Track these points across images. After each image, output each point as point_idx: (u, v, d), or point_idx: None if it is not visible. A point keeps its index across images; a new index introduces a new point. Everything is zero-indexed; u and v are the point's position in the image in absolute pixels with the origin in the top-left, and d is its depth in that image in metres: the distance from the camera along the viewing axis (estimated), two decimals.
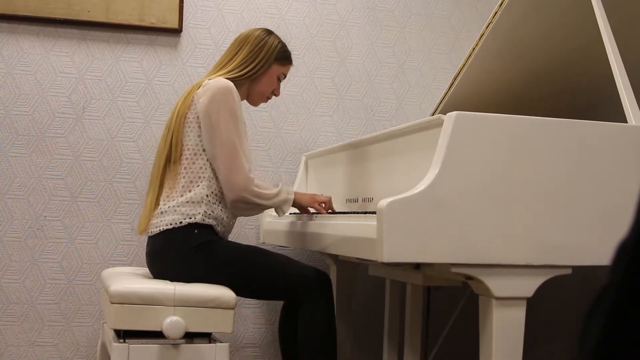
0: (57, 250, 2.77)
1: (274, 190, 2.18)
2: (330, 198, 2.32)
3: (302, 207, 2.31)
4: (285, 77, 2.39)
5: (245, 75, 2.27)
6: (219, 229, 2.17)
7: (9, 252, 2.73)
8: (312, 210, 2.32)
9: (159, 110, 2.86)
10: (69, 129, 2.79)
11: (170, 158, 2.18)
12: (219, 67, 2.30)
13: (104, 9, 2.80)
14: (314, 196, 2.31)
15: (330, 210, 2.31)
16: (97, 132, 2.82)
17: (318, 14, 3.06)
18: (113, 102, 2.84)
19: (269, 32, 2.33)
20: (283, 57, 2.33)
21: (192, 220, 2.11)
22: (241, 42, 2.31)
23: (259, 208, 2.20)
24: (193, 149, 2.15)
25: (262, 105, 2.93)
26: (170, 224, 2.12)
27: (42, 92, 2.78)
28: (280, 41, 2.33)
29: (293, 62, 2.41)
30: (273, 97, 2.41)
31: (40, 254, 2.76)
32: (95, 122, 2.82)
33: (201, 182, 2.14)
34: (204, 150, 2.15)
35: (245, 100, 2.38)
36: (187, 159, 2.15)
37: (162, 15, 2.85)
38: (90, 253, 2.80)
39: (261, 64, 2.29)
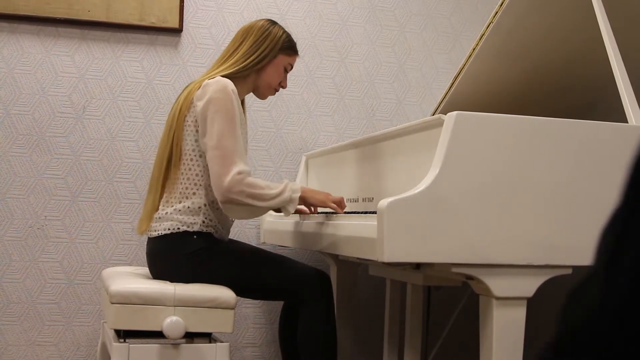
0: (57, 249, 2.77)
1: (275, 191, 2.05)
2: (343, 198, 2.19)
3: (313, 205, 2.18)
4: (291, 68, 2.32)
5: (250, 65, 2.21)
6: (217, 235, 2.16)
7: (9, 251, 2.74)
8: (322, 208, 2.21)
9: (160, 110, 2.86)
10: (69, 129, 2.79)
11: (170, 160, 2.15)
12: (222, 60, 2.24)
13: (104, 8, 2.80)
14: (328, 196, 2.16)
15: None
16: (97, 131, 2.82)
17: (318, 13, 3.06)
18: (113, 102, 2.84)
19: (273, 22, 2.29)
20: (289, 46, 2.28)
21: (190, 229, 2.10)
22: (244, 33, 2.25)
23: (257, 210, 2.07)
24: (190, 154, 2.12)
25: (262, 105, 2.94)
26: (169, 230, 2.10)
27: (42, 91, 2.78)
28: (284, 31, 2.28)
29: (299, 54, 2.36)
30: (278, 92, 2.37)
31: (40, 254, 2.76)
32: (95, 121, 2.82)
33: (199, 189, 2.11)
34: (200, 155, 2.11)
35: (252, 94, 2.33)
36: (184, 164, 2.12)
37: (163, 14, 2.85)
38: (91, 253, 2.80)
39: (266, 52, 2.23)
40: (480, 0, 3.23)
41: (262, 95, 2.33)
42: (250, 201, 2.02)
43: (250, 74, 2.24)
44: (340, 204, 2.15)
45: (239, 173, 2.02)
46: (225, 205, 2.04)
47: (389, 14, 3.13)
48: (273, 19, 2.95)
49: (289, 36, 2.29)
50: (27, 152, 2.76)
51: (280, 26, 2.29)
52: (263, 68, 2.25)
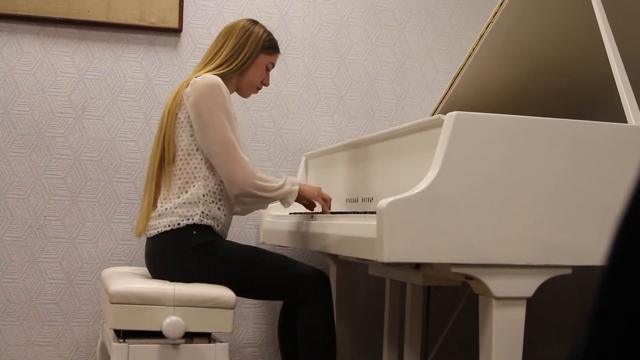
0: (57, 250, 2.77)
1: (279, 183, 2.16)
2: (331, 199, 2.31)
3: (306, 198, 2.25)
4: (273, 66, 2.37)
5: (234, 69, 2.26)
6: (217, 228, 2.17)
7: (9, 251, 2.73)
8: (316, 203, 2.28)
9: (159, 110, 2.86)
10: (69, 129, 2.79)
11: (164, 159, 2.18)
12: (205, 62, 2.29)
13: (104, 8, 2.80)
14: (320, 190, 2.27)
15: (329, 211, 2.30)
16: (97, 131, 2.82)
17: (318, 13, 3.06)
18: (113, 102, 2.84)
19: (254, 22, 2.33)
20: (270, 46, 2.32)
21: (190, 221, 2.11)
22: (226, 34, 2.30)
23: (265, 201, 2.18)
24: (186, 149, 2.14)
25: (262, 105, 2.94)
26: (169, 226, 2.11)
27: (42, 91, 2.78)
28: (265, 30, 2.33)
29: (281, 51, 2.40)
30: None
31: (40, 254, 2.76)
32: (95, 121, 2.82)
33: (197, 181, 2.13)
34: (197, 149, 2.14)
35: (235, 93, 2.37)
36: (181, 159, 2.15)
37: (162, 15, 2.85)
38: (90, 253, 2.80)
39: (248, 55, 2.28)
40: (480, 0, 3.23)
41: (244, 94, 2.38)
42: (260, 193, 2.14)
43: (233, 75, 2.29)
44: (329, 202, 2.28)
45: (248, 165, 2.13)
46: (240, 197, 2.14)
47: (389, 14, 3.13)
48: (273, 19, 2.97)
49: (270, 35, 2.33)
50: (26, 152, 2.76)
51: (261, 25, 2.33)
52: (246, 69, 2.29)
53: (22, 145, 2.76)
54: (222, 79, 2.21)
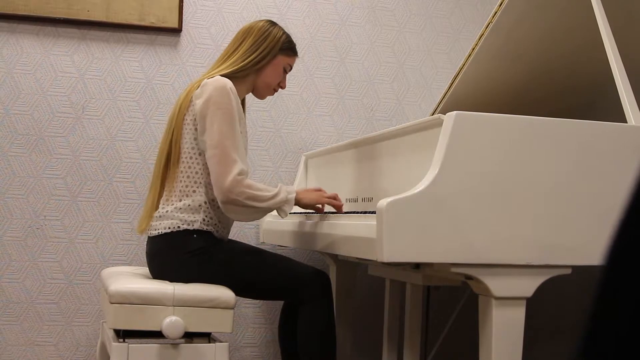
0: (56, 249, 2.77)
1: (272, 192, 2.07)
2: (336, 194, 2.24)
3: (307, 206, 2.20)
4: (291, 68, 2.33)
5: (249, 65, 2.22)
6: (217, 234, 2.16)
7: (8, 251, 2.73)
8: (321, 207, 2.22)
9: (159, 110, 2.86)
10: (68, 129, 2.79)
11: (170, 158, 2.17)
12: (222, 60, 2.25)
13: (104, 8, 2.80)
14: (321, 193, 2.20)
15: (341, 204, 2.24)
16: (96, 131, 2.82)
17: (318, 13, 3.06)
18: (113, 102, 2.84)
19: (273, 23, 2.30)
20: (288, 47, 2.29)
21: (191, 226, 2.09)
22: (244, 33, 2.26)
23: (256, 211, 2.08)
24: (189, 152, 2.12)
25: (261, 104, 2.94)
26: (169, 228, 2.10)
27: (41, 91, 2.78)
28: (284, 32, 2.29)
29: (298, 54, 2.37)
30: (278, 92, 2.37)
31: (39, 254, 2.76)
32: (95, 121, 2.82)
33: (199, 187, 2.11)
34: (199, 153, 2.11)
35: (251, 94, 2.35)
36: (184, 162, 2.13)
37: (162, 14, 2.85)
38: (90, 253, 2.80)
39: (265, 53, 2.24)
40: (480, 0, 3.23)
41: (260, 96, 2.34)
42: (249, 202, 2.04)
43: (249, 74, 2.25)
44: (335, 199, 2.20)
45: (240, 174, 2.04)
46: (226, 205, 2.05)
47: (388, 13, 3.13)
48: (272, 19, 2.96)
49: (288, 37, 2.30)
50: (26, 152, 2.76)
51: (280, 27, 2.30)
52: (262, 68, 2.26)
53: (22, 145, 2.76)
54: (238, 78, 2.19)
